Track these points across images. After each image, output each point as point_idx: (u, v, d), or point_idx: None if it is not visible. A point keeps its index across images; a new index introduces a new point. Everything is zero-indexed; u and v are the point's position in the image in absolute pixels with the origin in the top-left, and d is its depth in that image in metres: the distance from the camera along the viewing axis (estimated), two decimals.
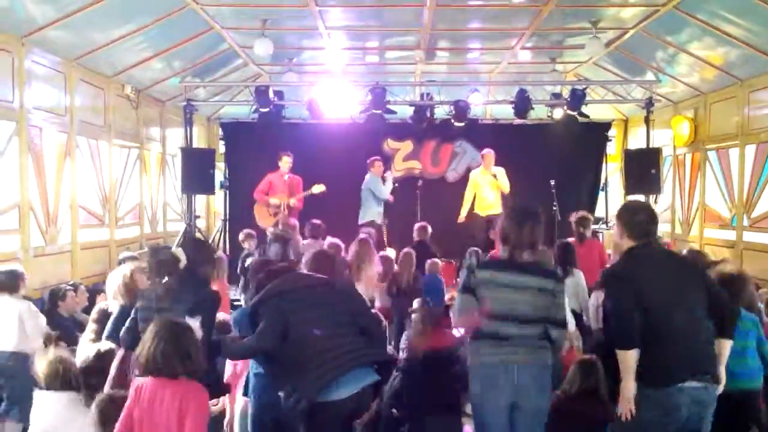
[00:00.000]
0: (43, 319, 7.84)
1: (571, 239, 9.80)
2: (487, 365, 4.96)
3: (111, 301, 6.87)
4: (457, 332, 6.30)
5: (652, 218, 5.04)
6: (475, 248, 10.54)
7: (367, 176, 13.45)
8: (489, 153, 13.77)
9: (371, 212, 13.18)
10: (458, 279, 10.69)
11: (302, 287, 5.28)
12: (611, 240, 13.92)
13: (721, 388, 4.86)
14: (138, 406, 4.37)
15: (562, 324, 4.99)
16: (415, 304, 7.49)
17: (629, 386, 4.72)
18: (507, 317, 4.89)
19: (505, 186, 13.52)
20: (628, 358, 4.70)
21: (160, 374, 4.40)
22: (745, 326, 6.02)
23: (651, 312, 4.71)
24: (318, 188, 13.20)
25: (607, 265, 8.02)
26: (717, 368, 4.81)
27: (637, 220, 4.95)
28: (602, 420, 5.34)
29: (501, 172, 13.59)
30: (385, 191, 13.24)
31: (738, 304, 5.73)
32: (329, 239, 10.05)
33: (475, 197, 13.83)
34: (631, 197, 15.63)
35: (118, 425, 4.42)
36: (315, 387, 4.86)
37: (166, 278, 5.44)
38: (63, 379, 5.37)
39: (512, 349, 4.88)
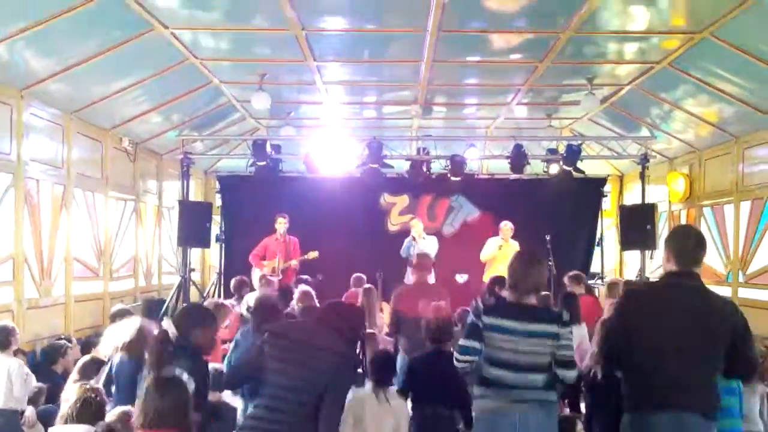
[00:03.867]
0: (32, 378, 7.80)
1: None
2: (490, 412, 4.94)
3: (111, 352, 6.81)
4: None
5: (700, 245, 4.99)
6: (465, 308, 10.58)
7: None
8: (506, 225, 13.77)
9: None
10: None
11: (294, 339, 5.16)
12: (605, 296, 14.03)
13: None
14: None
15: (571, 363, 4.95)
16: None
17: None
18: (511, 365, 4.87)
19: None
20: None
21: (158, 428, 4.35)
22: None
23: (644, 344, 4.72)
24: (312, 254, 13.33)
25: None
26: (712, 404, 4.74)
27: (686, 245, 4.91)
28: None
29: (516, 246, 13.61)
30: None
31: None
32: (301, 287, 10.10)
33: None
34: (627, 253, 15.76)
35: None
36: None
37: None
38: (95, 409, 5.34)
39: (516, 396, 4.86)
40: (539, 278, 5.09)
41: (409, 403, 6.46)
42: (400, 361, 8.77)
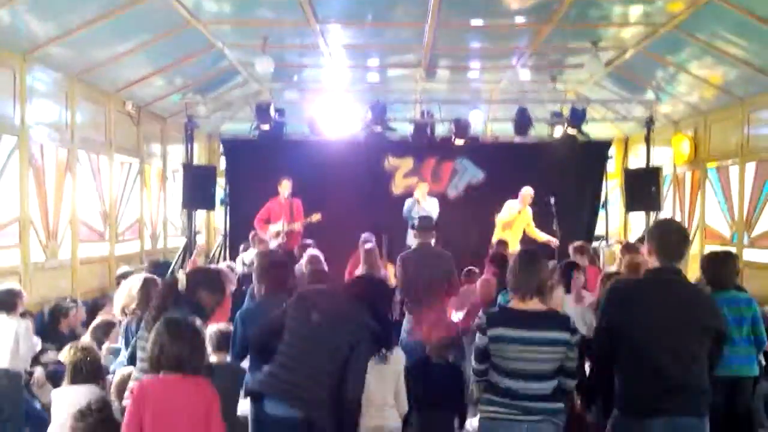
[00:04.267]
0: (37, 341, 7.89)
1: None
2: (497, 422, 4.92)
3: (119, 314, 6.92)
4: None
5: (683, 240, 5.00)
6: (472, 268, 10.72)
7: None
8: (527, 191, 13.75)
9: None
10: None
11: (322, 307, 5.22)
12: (610, 257, 14.07)
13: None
14: (148, 406, 4.29)
15: (575, 374, 4.97)
16: None
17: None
18: (519, 373, 4.84)
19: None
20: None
21: (171, 372, 4.38)
22: (738, 312, 6.34)
23: (634, 344, 4.74)
24: (315, 217, 13.31)
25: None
26: (704, 404, 4.81)
27: (669, 240, 4.91)
28: None
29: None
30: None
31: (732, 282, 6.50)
32: (310, 251, 10.18)
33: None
34: (632, 214, 15.79)
35: (123, 424, 4.35)
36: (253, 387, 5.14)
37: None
38: (89, 368, 5.39)
39: (523, 406, 4.83)
40: (541, 278, 5.02)
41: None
42: (407, 324, 8.88)
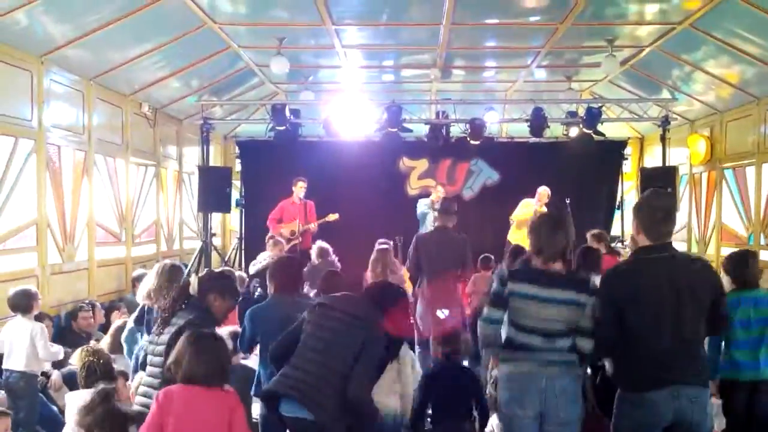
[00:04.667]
0: (59, 349, 7.92)
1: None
2: (516, 376, 4.94)
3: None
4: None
5: (668, 217, 4.91)
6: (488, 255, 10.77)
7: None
8: (544, 190, 13.72)
9: None
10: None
11: (339, 309, 5.22)
12: (626, 257, 13.98)
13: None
14: (170, 414, 4.33)
15: (590, 333, 4.89)
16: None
17: None
18: (536, 330, 4.86)
19: None
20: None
21: (198, 384, 4.41)
22: (761, 313, 6.25)
23: (635, 322, 4.71)
24: (332, 217, 13.40)
25: None
26: (706, 373, 4.82)
27: (654, 219, 4.84)
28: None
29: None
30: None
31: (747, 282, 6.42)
32: (318, 243, 10.30)
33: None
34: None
35: (143, 429, 4.40)
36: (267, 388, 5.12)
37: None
38: (102, 370, 5.41)
39: (541, 360, 4.85)
40: (565, 243, 5.00)
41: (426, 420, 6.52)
42: (420, 310, 8.93)
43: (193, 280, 5.39)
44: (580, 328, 4.87)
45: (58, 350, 7.90)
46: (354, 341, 4.97)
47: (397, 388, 6.37)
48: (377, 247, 10.46)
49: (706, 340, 5.32)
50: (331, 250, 11.11)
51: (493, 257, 10.90)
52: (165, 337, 5.07)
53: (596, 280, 8.50)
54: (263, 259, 11.47)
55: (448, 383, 6.38)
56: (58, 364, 8.20)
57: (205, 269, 6.21)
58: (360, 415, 4.97)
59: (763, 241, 11.58)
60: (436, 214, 11.10)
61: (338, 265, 11.01)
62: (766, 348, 6.35)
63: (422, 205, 13.64)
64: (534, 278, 4.93)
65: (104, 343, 7.50)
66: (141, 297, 6.80)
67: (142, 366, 5.63)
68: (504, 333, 5.02)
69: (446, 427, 6.33)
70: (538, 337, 4.86)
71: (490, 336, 5.09)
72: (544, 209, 13.45)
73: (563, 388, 4.85)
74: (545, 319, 4.84)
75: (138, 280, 10.80)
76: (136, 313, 7.22)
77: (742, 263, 6.64)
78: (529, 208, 13.56)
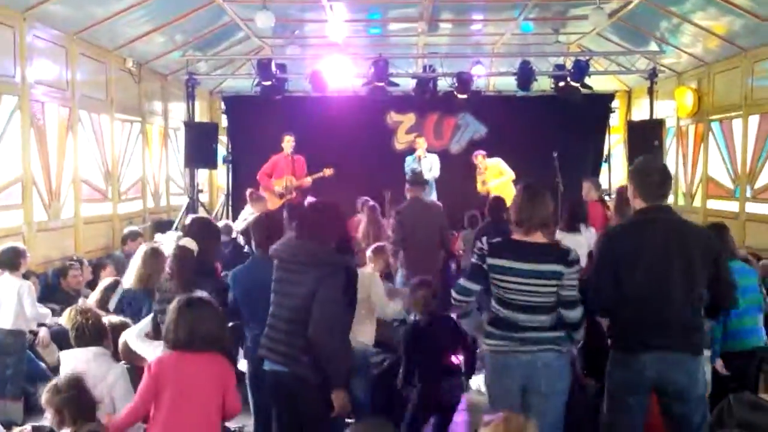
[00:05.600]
0: (46, 312, 7.92)
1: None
2: (499, 352, 4.96)
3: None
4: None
5: (665, 179, 4.93)
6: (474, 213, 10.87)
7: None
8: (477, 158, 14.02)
9: None
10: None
11: (284, 259, 5.14)
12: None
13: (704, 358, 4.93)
14: (165, 382, 4.39)
15: (574, 303, 4.87)
16: None
17: None
18: (520, 305, 4.86)
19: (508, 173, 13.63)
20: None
21: (190, 349, 4.45)
22: (745, 282, 6.21)
23: (628, 284, 4.72)
24: (328, 171, 13.40)
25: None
26: (697, 340, 4.80)
27: (650, 182, 4.84)
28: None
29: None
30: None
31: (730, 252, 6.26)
32: (310, 200, 10.28)
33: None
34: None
35: (137, 398, 4.48)
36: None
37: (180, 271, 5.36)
38: (92, 330, 5.42)
39: (524, 335, 4.85)
40: (545, 212, 4.97)
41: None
42: (399, 278, 8.99)
43: (189, 242, 5.34)
44: (563, 298, 4.86)
45: (46, 313, 7.91)
46: (307, 286, 4.90)
47: (366, 322, 6.54)
48: (368, 204, 10.49)
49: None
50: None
51: (479, 215, 10.98)
52: None
53: (584, 230, 8.59)
54: (244, 219, 11.45)
55: (430, 338, 6.40)
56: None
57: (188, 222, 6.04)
58: (328, 359, 4.88)
59: (749, 194, 11.62)
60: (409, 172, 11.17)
61: None
62: (760, 317, 6.48)
63: (409, 162, 13.63)
64: (514, 252, 4.91)
65: (92, 299, 7.48)
66: (132, 283, 6.81)
67: (156, 332, 5.57)
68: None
69: (432, 382, 6.37)
70: (520, 312, 4.87)
71: (464, 306, 5.15)
72: (489, 163, 13.54)
73: (547, 362, 4.86)
74: (527, 292, 4.83)
75: (129, 237, 10.84)
76: (116, 303, 7.22)
77: (722, 233, 6.62)
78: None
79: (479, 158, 13.97)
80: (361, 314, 6.19)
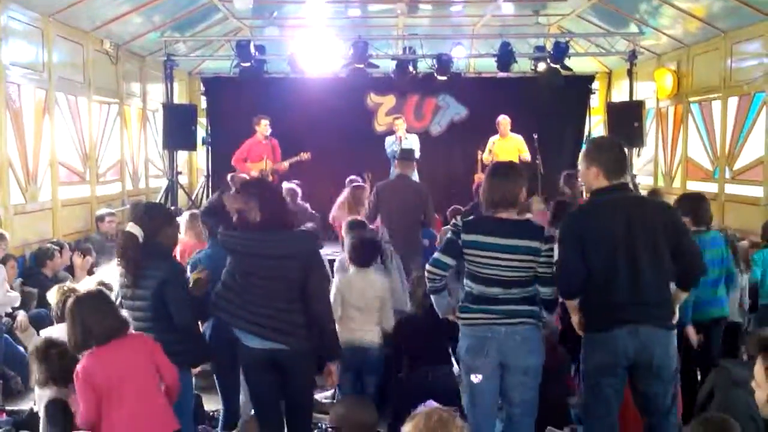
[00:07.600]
0: (16, 296, 7.88)
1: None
2: (474, 327, 4.97)
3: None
4: None
5: (624, 155, 5.00)
6: (457, 207, 10.75)
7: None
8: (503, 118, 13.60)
9: None
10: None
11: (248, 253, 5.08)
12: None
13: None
14: (97, 382, 4.39)
15: (551, 281, 4.91)
16: None
17: (576, 319, 4.95)
18: (493, 280, 4.88)
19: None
20: (571, 302, 4.93)
21: (113, 338, 4.47)
22: (714, 254, 6.33)
23: (595, 262, 4.73)
24: (304, 155, 13.19)
25: None
26: (668, 315, 4.83)
27: (612, 157, 4.87)
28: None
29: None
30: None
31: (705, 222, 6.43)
32: (285, 184, 10.19)
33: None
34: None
35: (82, 407, 4.44)
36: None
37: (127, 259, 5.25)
38: None
39: (499, 310, 4.88)
40: (513, 192, 4.97)
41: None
42: None
43: (133, 228, 5.24)
44: (539, 275, 4.90)
45: (15, 297, 7.87)
46: (295, 271, 4.96)
47: (376, 321, 6.55)
48: (353, 184, 10.42)
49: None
50: (300, 193, 10.96)
51: (462, 209, 10.88)
52: (142, 292, 5.08)
53: None
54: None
55: (422, 328, 6.41)
56: (23, 306, 8.15)
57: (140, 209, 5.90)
58: (332, 331, 5.15)
59: (728, 175, 11.68)
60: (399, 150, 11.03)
61: (307, 207, 10.99)
62: (723, 287, 6.51)
63: (390, 143, 13.57)
64: (488, 228, 4.95)
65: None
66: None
67: None
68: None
69: (424, 372, 6.38)
70: (496, 286, 4.89)
71: (436, 281, 5.11)
72: (513, 136, 13.40)
73: (523, 338, 4.89)
74: (502, 267, 4.86)
75: (101, 219, 10.78)
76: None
77: (695, 203, 6.65)
78: (489, 142, 13.54)
79: (503, 122, 13.52)
80: (373, 316, 6.51)
